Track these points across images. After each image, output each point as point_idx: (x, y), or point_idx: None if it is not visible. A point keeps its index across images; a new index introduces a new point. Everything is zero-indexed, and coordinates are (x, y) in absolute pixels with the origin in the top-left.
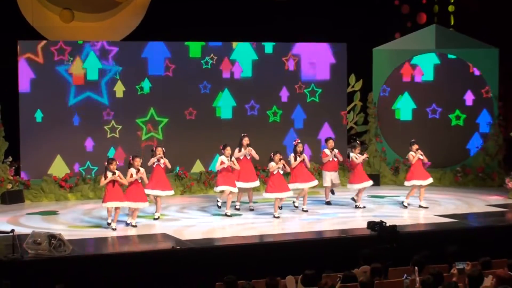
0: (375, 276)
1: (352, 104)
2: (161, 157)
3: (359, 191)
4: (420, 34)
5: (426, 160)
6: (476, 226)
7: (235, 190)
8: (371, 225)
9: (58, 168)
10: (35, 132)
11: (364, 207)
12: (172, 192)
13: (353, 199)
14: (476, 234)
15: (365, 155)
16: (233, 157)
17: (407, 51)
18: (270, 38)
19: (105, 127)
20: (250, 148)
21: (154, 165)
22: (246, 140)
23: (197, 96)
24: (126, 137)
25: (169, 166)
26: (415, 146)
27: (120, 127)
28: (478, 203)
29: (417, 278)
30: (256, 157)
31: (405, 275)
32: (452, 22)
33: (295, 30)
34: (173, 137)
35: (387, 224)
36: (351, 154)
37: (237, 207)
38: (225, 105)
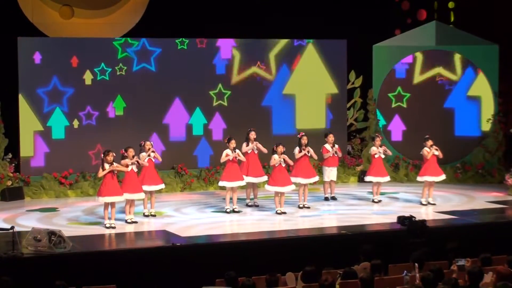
0: (375, 272)
1: (352, 101)
2: (152, 151)
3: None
4: (420, 31)
5: (441, 155)
6: (476, 222)
7: (239, 184)
8: (401, 219)
9: (57, 120)
10: (34, 75)
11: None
12: (163, 185)
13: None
14: (476, 230)
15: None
16: (237, 150)
17: (407, 48)
18: (268, 35)
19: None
20: (257, 142)
21: (146, 160)
22: (253, 135)
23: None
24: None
25: (160, 159)
26: (430, 142)
27: (109, 69)
28: (478, 200)
29: (417, 275)
30: (264, 150)
31: (405, 271)
32: (452, 19)
33: (295, 26)
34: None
35: (416, 219)
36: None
37: (249, 204)
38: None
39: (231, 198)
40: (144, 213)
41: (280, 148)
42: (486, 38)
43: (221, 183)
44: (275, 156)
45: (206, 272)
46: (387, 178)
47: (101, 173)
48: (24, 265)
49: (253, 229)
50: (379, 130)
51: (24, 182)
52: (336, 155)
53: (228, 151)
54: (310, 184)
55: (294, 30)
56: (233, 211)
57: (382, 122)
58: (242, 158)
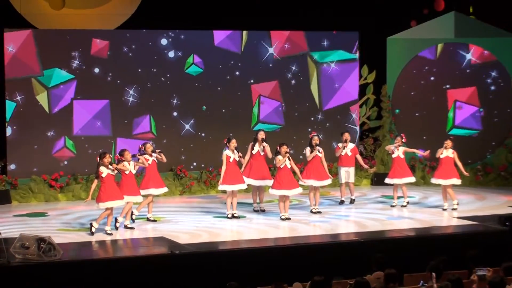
0: (390, 282)
1: (365, 98)
2: (159, 151)
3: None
4: (438, 22)
5: (459, 164)
6: (498, 229)
7: (240, 187)
8: (502, 219)
9: None
10: None
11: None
12: (166, 189)
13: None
14: (498, 237)
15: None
16: (239, 153)
17: (424, 40)
18: (278, 27)
19: None
20: (265, 144)
21: (150, 162)
22: (261, 134)
23: None
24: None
25: (164, 160)
26: (446, 142)
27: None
28: (500, 204)
29: (435, 285)
30: (269, 155)
31: (422, 281)
32: (471, 10)
33: (305, 18)
34: None
35: None
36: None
37: (255, 208)
38: None
39: (232, 203)
40: (148, 218)
41: (284, 148)
42: (509, 30)
43: (221, 187)
44: (279, 157)
45: (207, 283)
46: (407, 180)
47: (104, 172)
48: (11, 275)
49: (257, 236)
50: (392, 130)
51: (11, 185)
52: (349, 154)
53: (228, 152)
54: (322, 187)
55: (304, 21)
56: (233, 216)
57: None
58: (243, 161)
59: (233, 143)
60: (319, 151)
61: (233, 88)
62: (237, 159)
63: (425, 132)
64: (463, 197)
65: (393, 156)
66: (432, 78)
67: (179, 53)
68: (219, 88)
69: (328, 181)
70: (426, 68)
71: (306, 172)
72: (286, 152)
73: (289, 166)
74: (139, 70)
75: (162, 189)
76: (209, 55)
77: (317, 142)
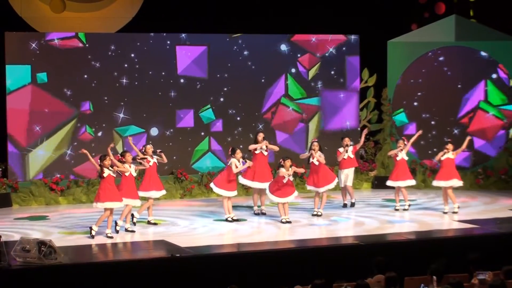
0: (390, 286)
1: (365, 101)
2: (159, 151)
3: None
4: (438, 26)
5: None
6: (499, 232)
7: (233, 194)
8: None
9: None
10: None
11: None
12: (165, 191)
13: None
14: (499, 241)
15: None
16: (246, 161)
17: (424, 44)
18: (277, 30)
19: None
20: (266, 141)
21: (150, 164)
22: (261, 136)
23: None
24: None
25: (165, 160)
26: (448, 147)
27: None
28: (501, 208)
29: None
30: (276, 149)
31: (422, 284)
32: (472, 14)
33: (305, 21)
34: None
35: None
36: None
37: (256, 212)
38: None
39: (228, 208)
40: (148, 221)
41: (288, 162)
42: (510, 33)
43: (216, 190)
44: (283, 170)
45: (207, 286)
46: (409, 182)
47: (106, 174)
48: (11, 278)
49: (258, 239)
50: (393, 133)
51: (12, 188)
52: (351, 157)
53: (236, 161)
54: (328, 191)
55: (304, 24)
56: (233, 220)
57: None
58: (250, 164)
59: (238, 153)
60: (319, 157)
61: (239, 91)
62: (245, 167)
63: (430, 133)
64: (463, 200)
65: (398, 158)
66: (439, 78)
67: (179, 56)
68: (225, 89)
69: (329, 186)
70: (431, 68)
71: (309, 178)
72: (291, 166)
73: (291, 179)
74: (150, 73)
75: (162, 192)
76: (209, 57)
77: (315, 148)
